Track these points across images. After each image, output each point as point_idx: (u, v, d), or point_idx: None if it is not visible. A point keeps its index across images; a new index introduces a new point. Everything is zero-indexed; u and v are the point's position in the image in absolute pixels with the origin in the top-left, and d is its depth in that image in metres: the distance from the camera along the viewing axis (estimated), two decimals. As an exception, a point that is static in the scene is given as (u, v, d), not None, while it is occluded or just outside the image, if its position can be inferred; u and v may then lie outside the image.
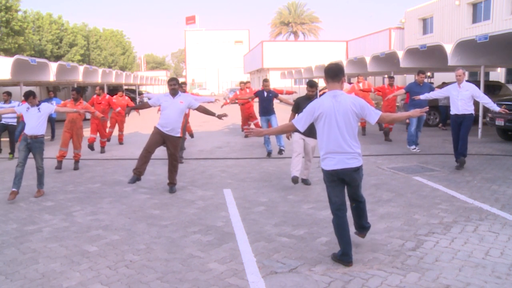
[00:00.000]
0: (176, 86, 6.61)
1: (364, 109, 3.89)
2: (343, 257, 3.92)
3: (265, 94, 9.79)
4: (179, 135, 6.73)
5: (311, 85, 6.81)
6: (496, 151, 9.80)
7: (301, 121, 3.97)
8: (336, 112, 3.80)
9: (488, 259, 4.01)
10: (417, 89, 9.67)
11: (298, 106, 6.81)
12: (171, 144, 6.65)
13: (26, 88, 11.78)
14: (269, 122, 9.67)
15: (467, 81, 8.04)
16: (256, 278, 3.73)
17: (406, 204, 5.83)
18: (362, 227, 4.30)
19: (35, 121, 6.70)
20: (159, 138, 6.60)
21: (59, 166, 8.68)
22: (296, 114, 6.94)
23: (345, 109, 3.81)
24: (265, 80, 10.46)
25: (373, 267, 3.87)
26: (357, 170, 3.90)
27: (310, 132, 6.65)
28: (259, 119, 10.78)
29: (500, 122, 10.87)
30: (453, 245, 4.35)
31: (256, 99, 10.52)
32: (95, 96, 11.18)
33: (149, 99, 7.44)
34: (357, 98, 4.00)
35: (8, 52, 26.61)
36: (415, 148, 10.01)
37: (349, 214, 4.06)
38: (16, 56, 12.13)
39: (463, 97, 7.78)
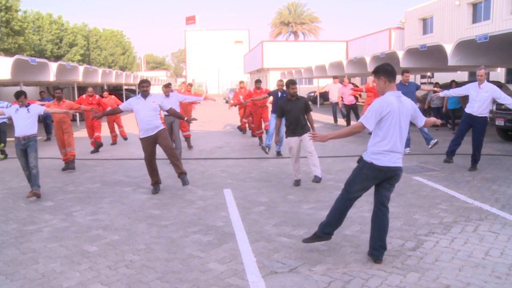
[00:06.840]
0: (148, 88, 6.73)
1: (416, 112, 4.03)
2: (328, 235, 4.22)
3: (279, 94, 9.70)
4: (162, 127, 6.82)
5: (293, 82, 6.92)
6: (496, 151, 9.80)
7: (371, 120, 3.84)
8: (400, 113, 3.86)
9: (488, 259, 4.01)
10: (403, 89, 9.55)
11: (283, 110, 6.93)
12: (160, 140, 6.71)
13: (26, 89, 11.77)
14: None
15: (488, 81, 7.74)
16: (256, 278, 3.73)
17: (406, 204, 5.83)
18: (382, 247, 4.00)
19: (25, 122, 6.73)
20: (150, 144, 6.72)
21: (66, 167, 8.78)
22: (283, 119, 7.01)
23: (407, 110, 3.92)
24: (258, 81, 10.57)
25: (373, 267, 3.88)
26: (401, 169, 4.01)
27: (303, 131, 6.70)
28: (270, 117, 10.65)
29: (500, 122, 10.85)
30: (453, 245, 4.35)
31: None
32: (84, 96, 11.09)
33: None
34: (411, 101, 4.06)
35: (8, 52, 26.64)
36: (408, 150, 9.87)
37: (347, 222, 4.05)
38: (16, 56, 12.14)
39: (481, 99, 7.57)
